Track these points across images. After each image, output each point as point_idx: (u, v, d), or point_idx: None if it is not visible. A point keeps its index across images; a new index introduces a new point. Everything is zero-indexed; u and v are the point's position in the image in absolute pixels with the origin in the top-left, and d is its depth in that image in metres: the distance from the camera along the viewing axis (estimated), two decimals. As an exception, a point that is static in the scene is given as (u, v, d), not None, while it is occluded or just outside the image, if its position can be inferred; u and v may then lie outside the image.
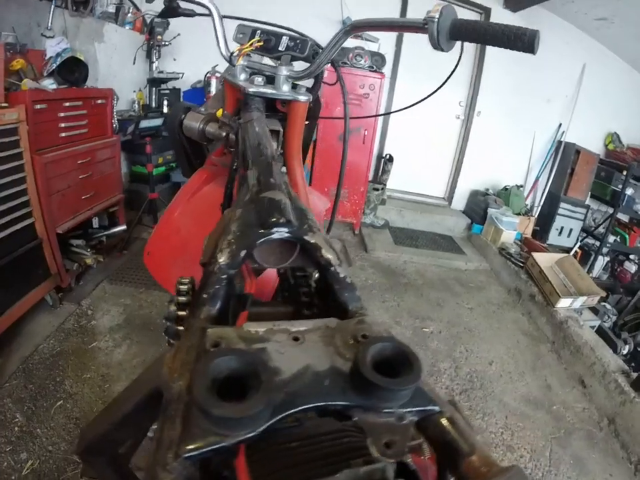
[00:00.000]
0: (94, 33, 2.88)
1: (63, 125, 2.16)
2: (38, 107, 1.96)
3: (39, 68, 2.23)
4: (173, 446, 0.22)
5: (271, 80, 0.81)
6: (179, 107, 0.92)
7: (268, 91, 0.79)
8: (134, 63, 3.32)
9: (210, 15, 0.86)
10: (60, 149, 2.14)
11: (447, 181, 4.47)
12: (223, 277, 0.36)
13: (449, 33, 0.55)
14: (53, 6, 2.46)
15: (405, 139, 4.18)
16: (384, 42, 3.59)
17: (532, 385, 2.22)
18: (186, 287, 0.42)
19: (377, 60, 3.28)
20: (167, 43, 3.31)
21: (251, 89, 0.78)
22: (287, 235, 0.38)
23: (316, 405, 0.25)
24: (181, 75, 3.37)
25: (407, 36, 3.78)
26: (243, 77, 0.83)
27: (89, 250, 2.47)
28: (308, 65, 0.79)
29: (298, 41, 0.84)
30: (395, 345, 0.27)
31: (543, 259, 3.03)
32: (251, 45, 0.83)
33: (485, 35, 0.52)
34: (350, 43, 3.36)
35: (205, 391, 0.21)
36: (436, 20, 0.53)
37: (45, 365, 1.82)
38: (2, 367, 1.78)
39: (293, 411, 0.24)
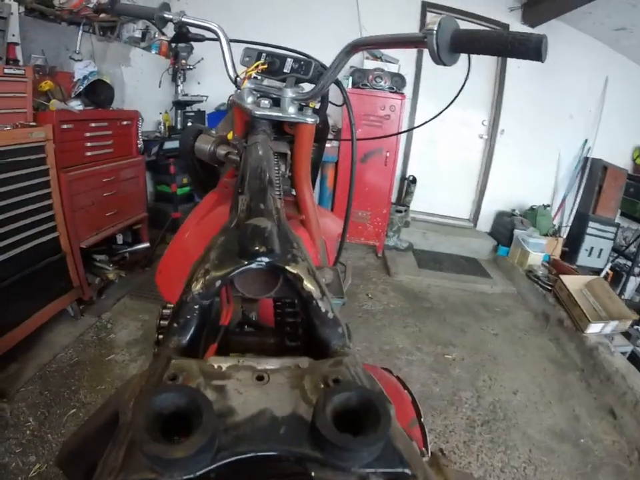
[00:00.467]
0: (121, 57, 3.02)
1: (88, 144, 2.25)
2: (64, 126, 2.06)
3: (67, 89, 2.33)
4: (112, 473, 0.21)
5: (277, 102, 0.81)
6: (190, 129, 0.93)
7: (274, 113, 0.79)
8: (159, 86, 3.45)
9: (217, 39, 0.87)
10: (85, 167, 2.23)
11: (472, 202, 4.37)
12: (195, 306, 0.35)
13: (450, 46, 0.52)
14: (80, 31, 2.59)
15: (428, 159, 4.14)
16: (404, 63, 3.61)
17: (558, 416, 2.08)
18: (168, 311, 0.41)
19: (397, 81, 3.28)
20: (191, 67, 3.44)
21: (257, 112, 0.78)
22: (266, 265, 0.36)
23: (266, 453, 0.22)
24: (205, 98, 3.47)
25: (428, 56, 3.79)
26: (250, 99, 0.83)
27: (111, 265, 2.54)
28: (314, 86, 0.79)
29: (302, 63, 0.83)
30: (362, 394, 0.24)
31: (572, 282, 2.89)
32: (255, 67, 0.84)
33: (489, 45, 0.49)
34: (370, 64, 3.39)
35: (141, 426, 0.20)
36: (435, 32, 0.50)
37: (61, 373, 1.87)
38: (19, 373, 1.83)
39: (238, 457, 0.22)
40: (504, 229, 3.96)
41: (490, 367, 2.37)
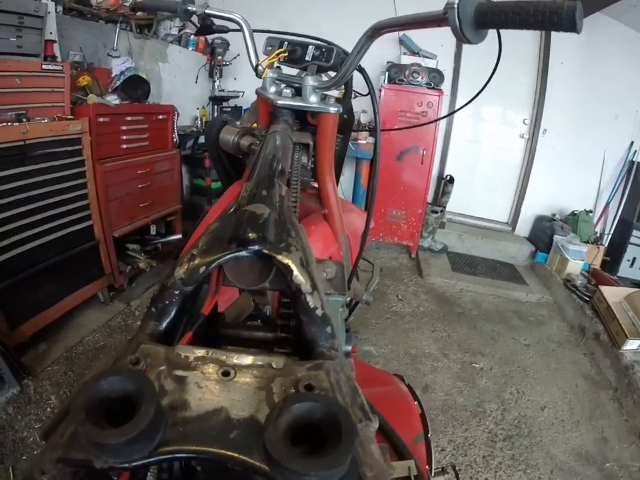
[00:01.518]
0: (158, 54, 3.09)
1: (124, 137, 2.31)
2: (101, 119, 2.13)
3: (105, 85, 2.41)
4: (55, 449, 0.21)
5: (300, 92, 0.77)
6: (215, 121, 0.91)
7: (295, 103, 0.76)
8: (196, 82, 3.51)
9: (240, 29, 0.85)
10: (120, 159, 2.29)
11: (511, 205, 4.18)
12: (175, 292, 0.33)
13: (474, 20, 0.46)
14: (118, 29, 2.67)
15: (467, 159, 4.00)
16: (442, 58, 3.49)
17: (586, 436, 1.95)
18: None
19: (435, 76, 3.16)
20: (227, 63, 3.48)
21: (279, 101, 0.76)
22: (254, 253, 0.34)
23: (210, 455, 0.21)
24: (241, 94, 3.48)
25: (466, 51, 3.66)
26: (272, 89, 0.80)
27: (143, 255, 2.61)
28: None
29: (324, 50, 0.79)
30: (327, 407, 0.21)
31: (612, 294, 2.70)
32: (276, 55, 0.81)
33: (517, 17, 0.43)
34: (407, 59, 3.30)
35: (80, 407, 0.20)
36: (456, 6, 0.45)
37: (87, 355, 1.94)
38: (47, 352, 1.91)
39: (180, 455, 0.21)
40: (543, 234, 3.76)
41: (519, 379, 2.26)
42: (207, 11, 0.88)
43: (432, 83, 3.15)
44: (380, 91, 3.17)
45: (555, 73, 3.66)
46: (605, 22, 3.42)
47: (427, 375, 2.15)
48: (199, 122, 3.49)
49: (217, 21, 0.91)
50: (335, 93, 0.82)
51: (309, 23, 3.15)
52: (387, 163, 3.27)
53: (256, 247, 0.33)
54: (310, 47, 0.80)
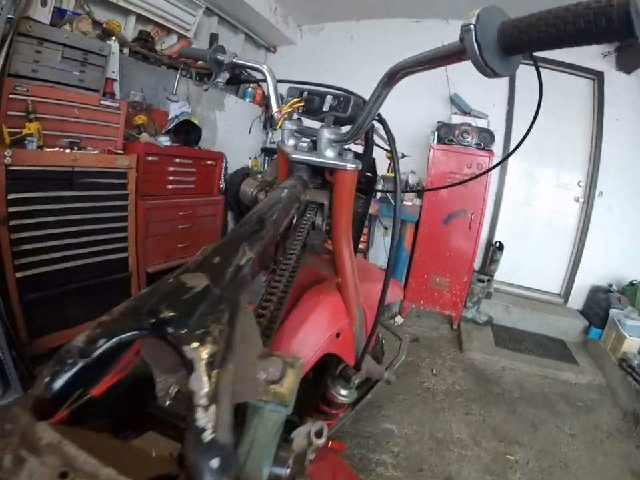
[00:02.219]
0: (215, 102, 3.28)
1: (170, 177, 2.42)
2: (150, 158, 2.25)
3: (160, 126, 2.56)
4: None
5: (317, 145, 0.72)
6: (238, 172, 0.89)
7: (309, 157, 0.70)
8: (249, 132, 3.68)
9: (265, 80, 0.84)
10: (164, 198, 2.38)
11: (564, 274, 3.84)
12: (68, 360, 0.28)
13: (499, 44, 0.37)
14: (178, 75, 2.87)
15: (517, 224, 3.78)
16: (493, 118, 3.42)
17: None
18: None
19: (485, 137, 3.07)
20: (281, 117, 3.61)
21: (293, 156, 0.70)
22: (159, 335, 0.27)
23: None
24: (291, 148, 3.59)
25: (518, 110, 3.59)
26: (291, 142, 0.76)
27: (172, 293, 2.59)
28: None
29: (341, 99, 0.74)
30: None
31: None
32: (291, 105, 0.76)
33: (552, 30, 0.33)
34: (457, 119, 3.26)
35: None
36: (472, 29, 0.36)
37: None
38: None
39: None
40: (598, 308, 3.38)
41: (559, 476, 1.91)
42: (234, 61, 0.88)
43: (482, 144, 3.06)
44: (429, 150, 3.14)
45: (610, 131, 3.46)
46: None
47: (452, 465, 1.88)
48: None
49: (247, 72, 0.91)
50: (355, 147, 0.75)
51: (358, 83, 3.31)
52: (432, 227, 3.15)
53: (164, 328, 0.27)
54: (328, 96, 0.76)
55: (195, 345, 0.26)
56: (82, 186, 1.90)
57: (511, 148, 3.56)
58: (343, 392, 0.70)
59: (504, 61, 0.38)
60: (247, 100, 3.73)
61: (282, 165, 0.80)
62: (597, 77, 3.50)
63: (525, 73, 3.35)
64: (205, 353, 0.26)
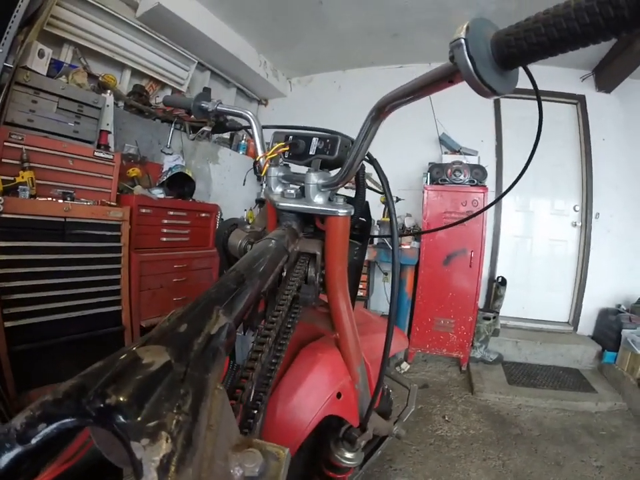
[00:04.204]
0: (209, 155, 3.34)
1: (164, 230, 2.40)
2: (143, 210, 2.25)
3: (155, 179, 2.58)
4: None
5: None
6: (226, 223, 0.85)
7: (297, 205, 0.66)
8: (244, 184, 3.72)
9: (249, 126, 0.82)
10: (158, 251, 2.35)
11: (571, 301, 3.77)
12: (5, 444, 0.23)
13: (495, 57, 0.33)
14: (172, 128, 2.94)
15: (518, 257, 3.76)
16: (483, 153, 3.48)
17: None
18: None
19: (478, 173, 3.09)
20: (274, 168, 3.66)
21: (281, 204, 0.66)
22: (104, 425, 0.22)
23: None
24: (285, 199, 3.61)
25: (507, 143, 3.67)
26: (278, 189, 0.72)
27: (168, 349, 2.50)
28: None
29: (327, 140, 0.71)
30: None
31: None
32: (275, 150, 0.73)
33: (553, 31, 0.29)
34: (448, 158, 3.32)
35: None
36: (462, 41, 0.33)
37: None
38: None
39: None
40: (609, 330, 3.30)
41: None
42: (218, 108, 0.87)
43: (475, 180, 3.08)
44: (423, 192, 3.15)
45: (599, 151, 3.53)
46: (636, 85, 3.37)
47: (477, 520, 1.73)
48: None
49: (230, 118, 0.90)
50: (346, 191, 0.72)
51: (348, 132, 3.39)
52: (433, 269, 3.11)
53: (111, 417, 0.22)
54: (314, 139, 0.73)
55: (145, 441, 0.21)
56: (74, 237, 1.89)
57: (504, 181, 3.66)
58: (348, 455, 0.63)
59: (501, 76, 0.34)
60: (241, 152, 3.80)
61: (270, 214, 0.77)
62: (579, 101, 3.61)
63: (509, 106, 3.46)
64: (156, 453, 0.21)
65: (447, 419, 2.49)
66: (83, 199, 1.98)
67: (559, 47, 0.31)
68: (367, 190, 0.73)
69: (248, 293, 0.39)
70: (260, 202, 3.66)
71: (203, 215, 2.71)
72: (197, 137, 3.18)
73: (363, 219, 0.78)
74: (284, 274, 0.57)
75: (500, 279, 3.47)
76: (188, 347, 0.27)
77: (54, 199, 1.85)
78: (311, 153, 0.73)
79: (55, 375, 1.87)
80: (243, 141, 3.70)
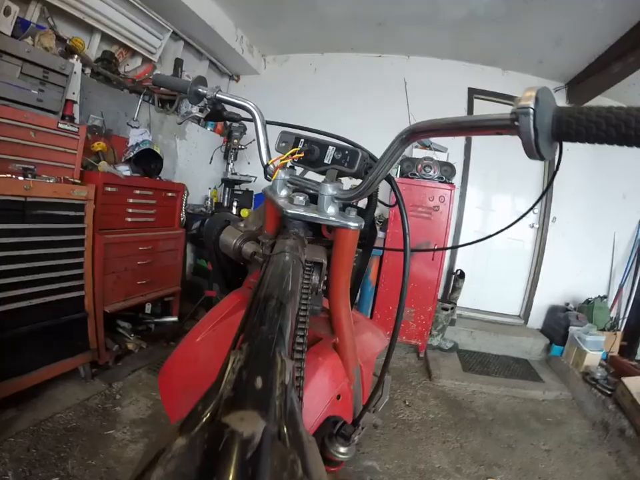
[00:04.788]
0: (177, 130, 3.19)
1: (130, 210, 2.28)
2: (108, 189, 2.10)
3: (120, 153, 2.43)
4: None
5: (315, 199, 0.66)
6: (217, 219, 0.81)
7: (309, 214, 0.64)
8: (210, 162, 3.59)
9: (252, 119, 0.77)
10: (123, 232, 2.23)
11: (523, 297, 4.03)
12: None
13: (552, 131, 0.36)
14: (140, 100, 2.77)
15: (477, 252, 3.92)
16: (452, 150, 3.57)
17: None
18: None
19: (447, 170, 3.17)
20: (243, 147, 3.55)
21: (289, 210, 0.64)
22: None
23: None
24: (253, 179, 3.52)
25: (476, 142, 3.78)
26: (283, 193, 0.69)
27: (133, 335, 2.44)
28: (360, 181, 0.64)
29: (347, 152, 0.68)
30: None
31: (637, 385, 2.50)
32: (290, 155, 0.71)
33: (611, 133, 0.32)
34: (419, 153, 3.37)
35: None
36: (531, 112, 0.35)
37: (55, 435, 1.73)
38: (13, 421, 1.74)
39: None
40: (558, 326, 3.57)
41: None
42: (217, 95, 0.81)
43: (444, 177, 3.16)
44: (390, 195, 3.18)
45: (562, 160, 3.68)
46: (605, 103, 3.51)
47: (438, 495, 1.85)
48: (210, 202, 3.51)
49: (229, 108, 0.85)
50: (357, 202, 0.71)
51: (323, 119, 3.13)
52: (396, 260, 3.18)
53: None
54: (330, 147, 0.70)
55: None
56: (35, 218, 1.73)
57: (470, 179, 3.77)
58: (342, 450, 0.64)
59: (552, 146, 0.37)
60: (209, 129, 3.66)
61: (270, 215, 0.74)
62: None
63: (482, 106, 3.53)
64: None
65: (407, 403, 2.61)
66: (44, 176, 1.81)
67: (613, 143, 0.33)
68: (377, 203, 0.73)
69: (290, 320, 0.38)
70: (226, 182, 3.54)
71: (170, 194, 2.59)
72: (166, 111, 3.01)
73: (367, 230, 0.78)
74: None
75: (459, 272, 3.62)
76: (272, 404, 0.25)
77: (13, 176, 1.67)
78: (326, 161, 0.70)
79: (19, 367, 1.76)
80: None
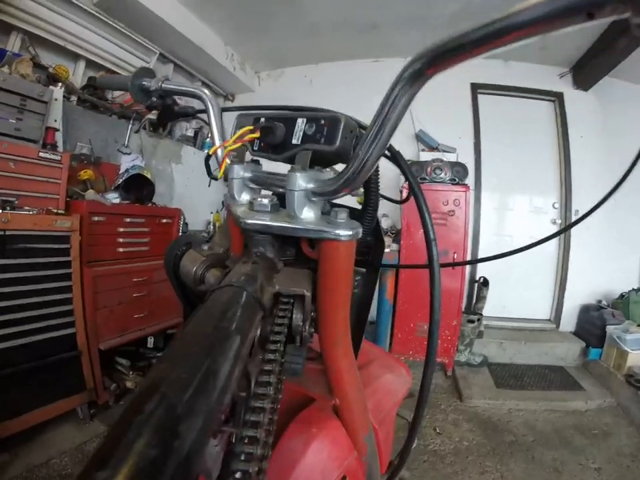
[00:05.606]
0: (171, 154, 3.08)
1: (121, 239, 2.14)
2: (95, 218, 1.98)
3: (111, 181, 2.31)
4: None
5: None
6: (178, 242, 0.63)
7: (275, 223, 0.43)
8: (209, 185, 3.47)
9: (205, 109, 0.61)
10: (114, 263, 2.10)
11: (552, 299, 3.75)
12: None
13: None
14: (130, 125, 2.66)
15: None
16: (461, 151, 3.38)
17: None
18: None
19: (459, 171, 2.96)
20: (243, 165, 3.43)
21: (249, 220, 0.44)
22: None
23: None
24: (258, 197, 3.38)
25: (486, 139, 3.60)
26: (244, 197, 0.51)
27: (132, 372, 2.29)
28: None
29: (322, 122, 0.47)
30: None
31: None
32: (238, 139, 0.51)
33: None
34: (426, 156, 3.20)
35: None
36: None
37: None
38: (6, 465, 1.66)
39: None
40: (592, 327, 3.29)
41: None
42: (163, 86, 0.66)
43: (456, 178, 2.95)
44: (401, 192, 2.98)
45: (577, 149, 3.53)
46: (617, 86, 3.39)
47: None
48: (212, 227, 3.37)
49: (180, 102, 0.69)
50: (349, 199, 0.50)
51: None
52: (413, 273, 2.96)
53: None
54: (299, 120, 0.49)
55: None
56: (15, 252, 1.62)
57: (483, 179, 3.58)
58: None
59: None
60: (205, 151, 3.55)
61: (234, 232, 0.54)
62: (557, 98, 3.59)
63: (487, 102, 3.38)
64: None
65: (438, 431, 2.36)
66: (26, 208, 1.72)
67: None
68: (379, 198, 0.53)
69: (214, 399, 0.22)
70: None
71: (164, 220, 2.44)
72: (158, 135, 2.91)
73: (369, 239, 0.56)
74: (257, 333, 0.36)
75: (482, 279, 3.37)
76: None
77: (-11, 209, 1.58)
78: (294, 142, 0.49)
79: (9, 410, 1.66)
80: (208, 139, 3.44)
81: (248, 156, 0.53)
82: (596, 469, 2.07)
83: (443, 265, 0.49)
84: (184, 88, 0.66)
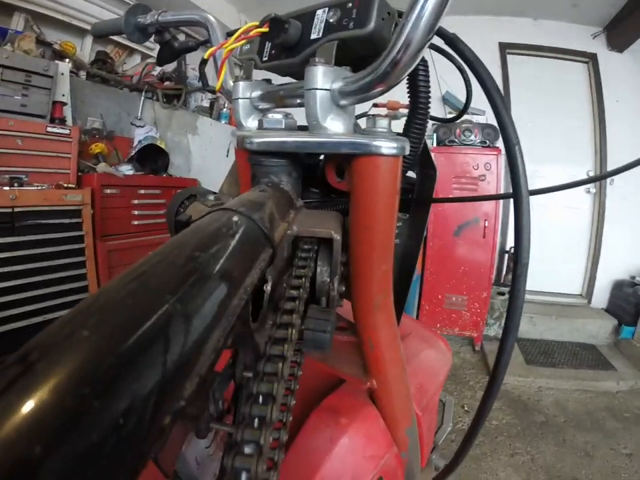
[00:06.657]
0: (187, 125, 2.98)
1: (135, 212, 2.08)
2: (108, 191, 1.93)
3: (125, 155, 2.25)
4: None
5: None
6: (180, 195, 0.54)
7: (287, 139, 0.32)
8: (227, 156, 3.37)
9: (208, 40, 0.53)
10: (129, 237, 2.05)
11: (584, 273, 3.56)
12: None
13: None
14: (142, 97, 2.57)
15: (531, 225, 3.49)
16: (490, 113, 3.16)
17: None
18: None
19: (490, 133, 2.78)
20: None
21: (255, 140, 0.33)
22: None
23: None
24: (281, 163, 3.29)
25: (515, 100, 3.39)
26: (251, 121, 0.39)
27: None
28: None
29: (349, 5, 0.34)
30: None
31: None
32: (243, 35, 0.39)
33: None
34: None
35: None
36: None
37: None
38: None
39: None
40: (626, 303, 3.12)
41: None
42: (160, 19, 0.58)
43: (487, 141, 2.77)
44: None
45: (612, 113, 3.27)
46: None
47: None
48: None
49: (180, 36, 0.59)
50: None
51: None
52: (442, 241, 2.84)
53: None
54: (319, 11, 0.37)
55: None
56: (26, 229, 1.58)
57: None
58: None
59: None
60: (223, 122, 3.44)
61: (242, 170, 0.43)
62: (591, 59, 3.32)
63: (516, 63, 3.14)
64: None
65: (466, 409, 2.28)
66: (36, 184, 1.67)
67: None
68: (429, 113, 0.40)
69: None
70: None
71: (180, 191, 2.39)
72: (172, 106, 2.81)
73: (413, 170, 0.43)
74: (266, 288, 0.27)
75: (512, 250, 3.22)
76: None
77: (-1, 186, 1.54)
78: (314, 36, 0.37)
79: None
80: (225, 109, 3.32)
81: (256, 74, 0.42)
82: (627, 455, 1.97)
83: (533, 193, 0.37)
84: (184, 16, 0.58)
